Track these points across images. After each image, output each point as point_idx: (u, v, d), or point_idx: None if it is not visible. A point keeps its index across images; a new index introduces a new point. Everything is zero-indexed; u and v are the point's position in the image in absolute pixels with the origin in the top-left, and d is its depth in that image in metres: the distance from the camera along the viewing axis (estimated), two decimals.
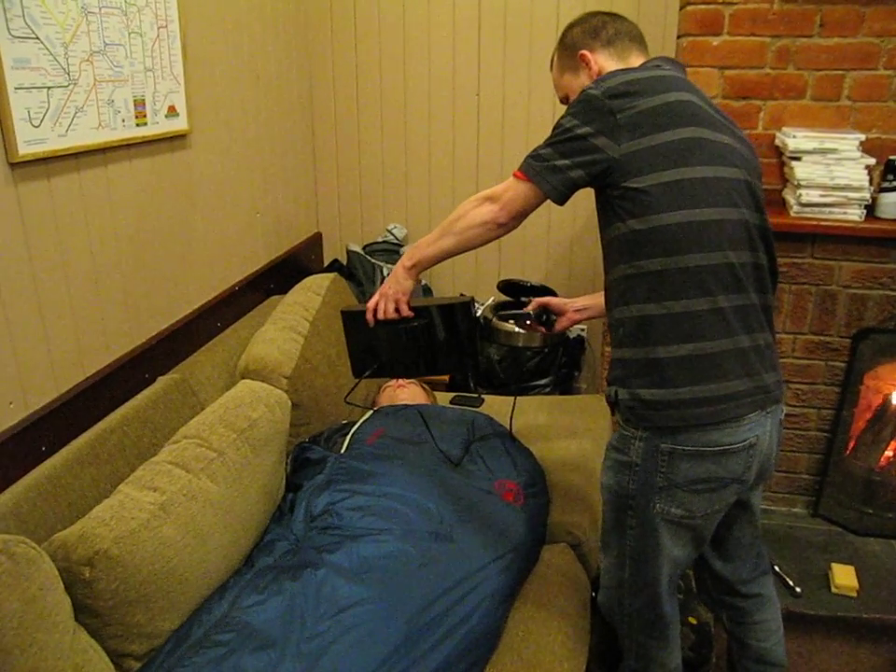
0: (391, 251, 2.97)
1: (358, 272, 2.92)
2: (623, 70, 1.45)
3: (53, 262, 1.56)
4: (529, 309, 1.98)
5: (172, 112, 1.92)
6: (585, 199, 2.90)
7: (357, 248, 2.98)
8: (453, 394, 2.60)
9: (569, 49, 1.61)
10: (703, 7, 2.37)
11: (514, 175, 1.46)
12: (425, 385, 2.43)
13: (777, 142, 2.40)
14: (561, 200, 1.43)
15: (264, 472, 1.67)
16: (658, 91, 1.38)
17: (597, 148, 1.36)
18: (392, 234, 3.02)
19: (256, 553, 1.62)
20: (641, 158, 1.35)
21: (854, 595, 2.28)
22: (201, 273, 2.14)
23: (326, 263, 3.14)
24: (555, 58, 1.67)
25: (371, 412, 2.06)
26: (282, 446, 1.78)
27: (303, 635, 1.33)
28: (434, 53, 2.89)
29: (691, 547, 1.50)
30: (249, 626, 1.35)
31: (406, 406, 2.12)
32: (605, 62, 1.56)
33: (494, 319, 2.83)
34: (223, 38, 2.20)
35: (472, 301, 1.72)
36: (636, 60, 1.56)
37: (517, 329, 2.77)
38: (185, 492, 1.44)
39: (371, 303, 1.67)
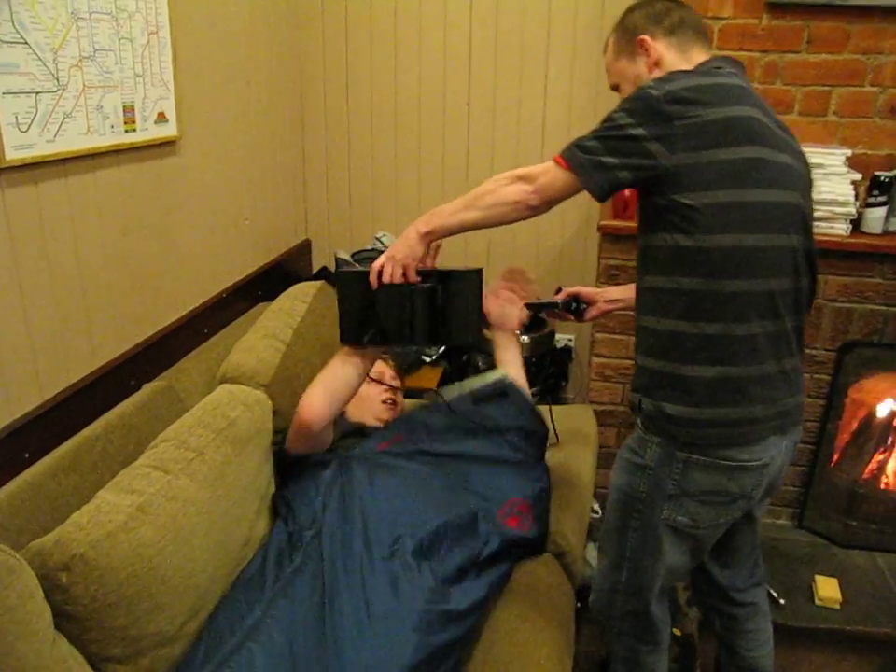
0: None
1: None
2: (685, 72, 1.39)
3: (39, 268, 1.55)
4: (559, 298, 1.92)
5: (161, 118, 1.92)
6: (575, 207, 2.93)
7: (346, 256, 2.98)
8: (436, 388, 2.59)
9: (628, 32, 1.52)
10: None
11: (555, 161, 1.39)
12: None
13: None
14: (603, 198, 1.38)
15: (248, 470, 1.67)
16: (722, 102, 1.31)
17: (649, 153, 1.30)
18: (381, 242, 3.02)
19: (272, 556, 1.60)
20: (696, 173, 1.30)
21: (837, 607, 2.29)
22: (188, 279, 2.14)
23: (314, 270, 3.14)
24: (611, 41, 1.58)
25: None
26: (265, 444, 1.77)
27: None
28: (425, 62, 2.90)
29: (689, 556, 1.50)
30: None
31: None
32: (665, 51, 1.48)
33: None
34: (214, 45, 2.20)
35: (482, 270, 1.66)
36: (697, 55, 1.49)
37: None
38: (164, 492, 1.43)
39: (376, 265, 1.58)
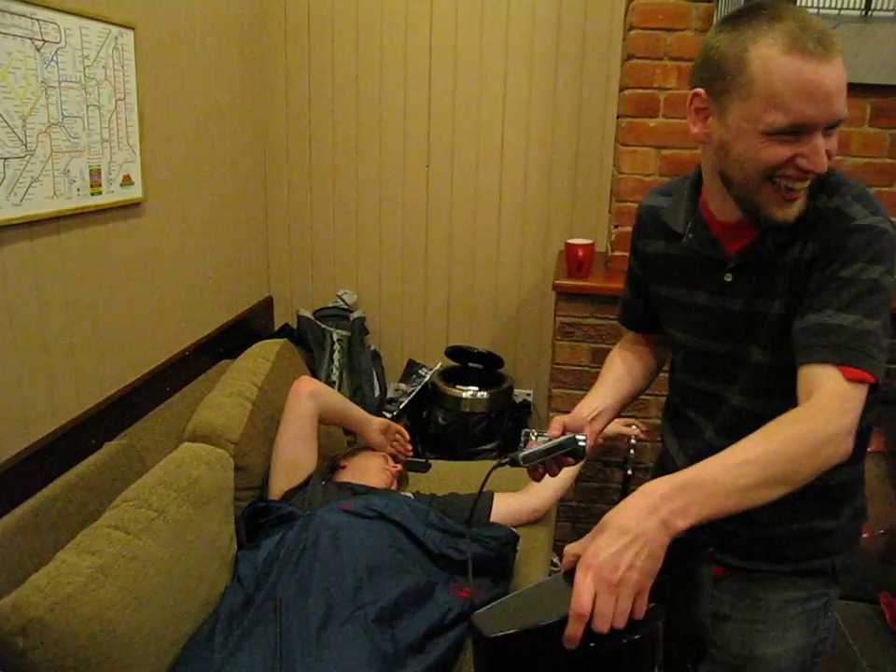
0: (341, 317, 3.02)
1: (308, 337, 2.96)
2: (862, 187, 1.11)
3: (2, 328, 1.56)
4: (554, 430, 1.27)
5: (127, 181, 1.96)
6: (531, 267, 3.02)
7: (308, 314, 3.02)
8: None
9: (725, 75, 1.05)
10: (640, 91, 2.52)
11: (854, 378, 0.98)
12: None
13: None
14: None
15: (209, 529, 1.67)
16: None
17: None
18: (342, 300, 3.07)
19: (223, 618, 1.60)
20: None
21: None
22: (151, 337, 2.16)
23: (276, 327, 3.17)
24: (842, 63, 1.00)
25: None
26: (227, 503, 1.78)
27: None
28: (385, 127, 3.00)
29: None
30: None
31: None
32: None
33: (441, 384, 2.89)
34: (180, 109, 2.27)
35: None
36: None
37: (464, 395, 2.83)
38: (124, 553, 1.43)
39: (582, 606, 0.79)
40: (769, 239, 1.12)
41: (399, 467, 2.24)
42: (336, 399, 2.21)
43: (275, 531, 1.78)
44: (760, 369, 1.17)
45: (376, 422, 2.27)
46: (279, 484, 1.98)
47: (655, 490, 0.85)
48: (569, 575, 0.84)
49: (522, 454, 1.20)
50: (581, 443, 1.21)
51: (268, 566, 1.69)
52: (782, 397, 1.06)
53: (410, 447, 2.36)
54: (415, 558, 1.74)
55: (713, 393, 1.26)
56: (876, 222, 1.05)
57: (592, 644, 0.80)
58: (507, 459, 1.22)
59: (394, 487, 2.17)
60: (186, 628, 1.55)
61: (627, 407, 1.41)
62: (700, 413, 1.30)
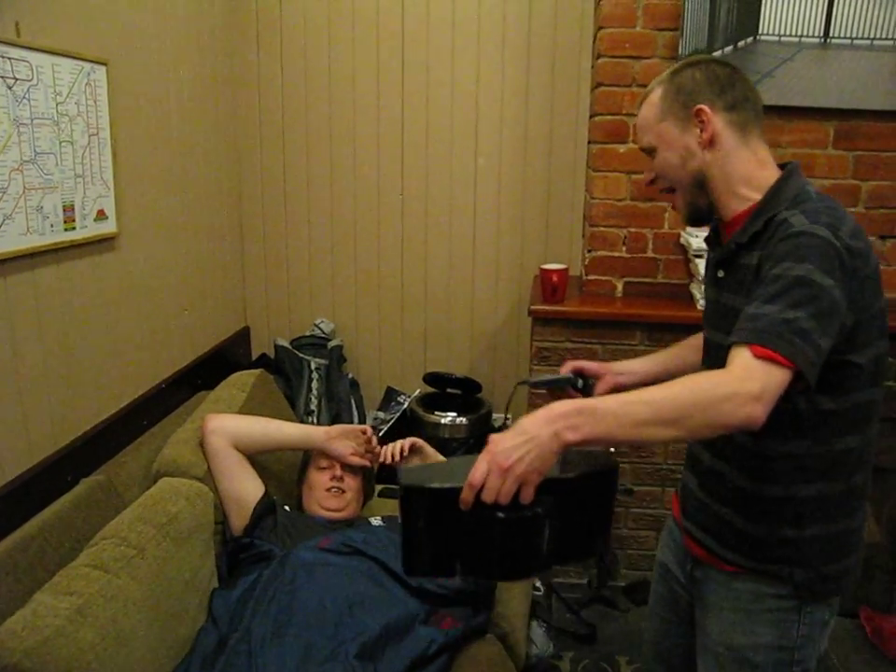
0: (318, 345, 3.01)
1: (286, 366, 2.95)
2: (832, 207, 1.19)
3: None
4: (562, 371, 1.57)
5: (101, 216, 1.96)
6: (508, 291, 3.05)
7: (285, 343, 3.01)
8: (380, 486, 2.61)
9: (683, 94, 1.28)
10: (609, 117, 2.57)
11: (770, 357, 1.04)
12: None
13: (682, 241, 2.58)
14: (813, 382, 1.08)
15: (190, 565, 1.66)
16: (868, 246, 1.18)
17: (841, 314, 1.11)
18: (319, 329, 3.07)
19: (196, 661, 1.57)
20: (865, 328, 1.18)
21: None
22: (127, 371, 2.14)
23: (254, 357, 3.16)
24: (656, 96, 1.32)
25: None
26: (207, 538, 1.77)
27: None
28: (359, 156, 3.02)
29: None
30: None
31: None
32: (723, 129, 1.26)
33: (420, 411, 2.89)
34: (153, 142, 2.27)
35: (618, 468, 1.19)
36: (757, 143, 1.28)
37: (443, 421, 2.84)
38: (103, 593, 1.41)
39: (473, 479, 1.00)
40: (733, 240, 1.28)
41: (342, 485, 2.06)
42: (250, 427, 2.03)
43: (253, 569, 1.77)
44: None
45: (332, 430, 2.07)
46: (235, 521, 1.94)
47: (558, 409, 1.01)
48: None
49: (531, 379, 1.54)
50: (587, 382, 1.52)
51: (242, 605, 1.67)
52: None
53: (377, 446, 2.09)
54: (395, 592, 1.72)
55: None
56: (812, 228, 1.13)
57: (481, 511, 1.02)
58: (522, 381, 1.54)
59: (355, 508, 2.09)
60: (167, 666, 1.54)
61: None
62: None
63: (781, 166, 1.30)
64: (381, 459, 2.01)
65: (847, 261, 1.11)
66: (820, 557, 1.29)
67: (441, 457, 2.06)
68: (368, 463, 2.10)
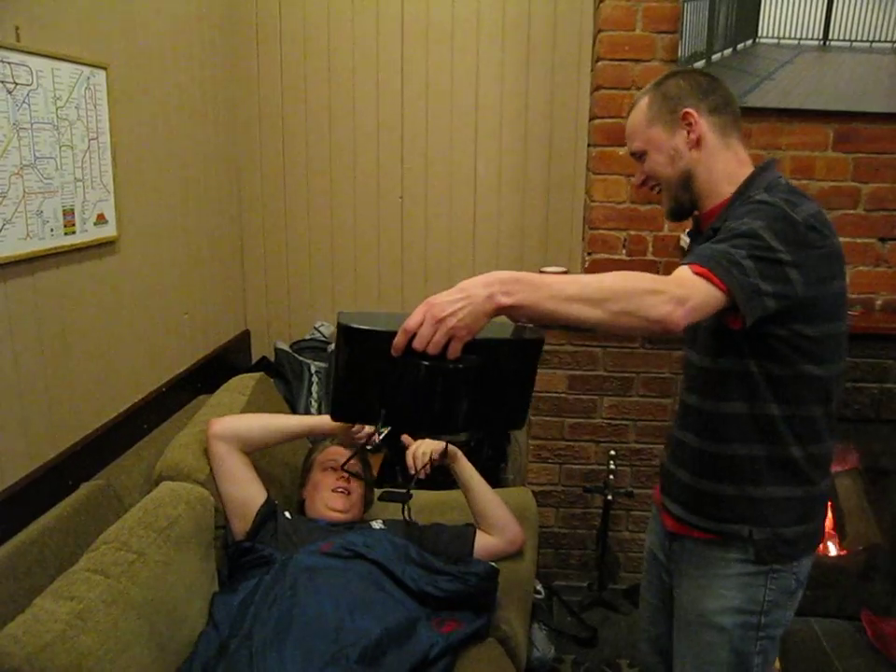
0: (319, 349, 3.01)
1: (286, 369, 2.95)
2: (799, 193, 1.32)
3: None
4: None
5: (101, 220, 1.96)
6: None
7: (285, 346, 3.01)
8: (379, 490, 2.60)
9: (670, 100, 1.40)
10: (609, 120, 2.58)
11: (704, 276, 1.15)
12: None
13: (682, 243, 2.58)
14: (749, 328, 1.21)
15: (190, 570, 1.66)
16: (833, 234, 1.29)
17: (790, 281, 1.20)
18: (319, 332, 3.07)
19: (197, 668, 1.57)
20: (822, 304, 1.28)
21: None
22: (127, 375, 2.14)
23: (254, 361, 3.16)
24: (644, 103, 1.43)
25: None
26: (208, 542, 1.77)
27: None
28: (359, 160, 3.03)
29: None
30: None
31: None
32: (708, 130, 1.38)
33: None
34: (153, 146, 2.27)
35: (544, 339, 1.23)
36: (737, 145, 1.41)
37: None
38: (104, 598, 1.41)
39: (409, 324, 1.07)
40: (710, 227, 1.37)
41: (349, 485, 2.07)
42: (253, 423, 2.01)
43: (253, 574, 1.77)
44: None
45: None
46: (237, 526, 1.92)
47: (497, 274, 1.09)
48: None
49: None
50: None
51: (243, 610, 1.66)
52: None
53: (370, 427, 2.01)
54: (396, 596, 1.72)
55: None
56: (770, 199, 1.26)
57: (410, 359, 1.08)
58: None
59: (358, 512, 2.08)
60: (168, 671, 1.53)
61: None
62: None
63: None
64: (408, 468, 2.02)
65: (802, 231, 1.21)
66: (779, 518, 1.37)
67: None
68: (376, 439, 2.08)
